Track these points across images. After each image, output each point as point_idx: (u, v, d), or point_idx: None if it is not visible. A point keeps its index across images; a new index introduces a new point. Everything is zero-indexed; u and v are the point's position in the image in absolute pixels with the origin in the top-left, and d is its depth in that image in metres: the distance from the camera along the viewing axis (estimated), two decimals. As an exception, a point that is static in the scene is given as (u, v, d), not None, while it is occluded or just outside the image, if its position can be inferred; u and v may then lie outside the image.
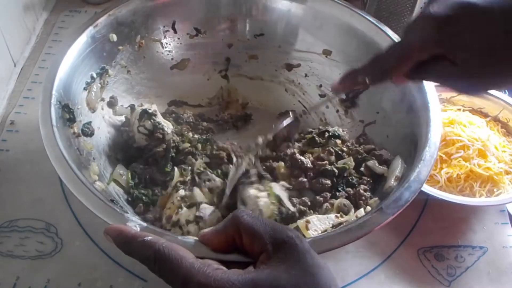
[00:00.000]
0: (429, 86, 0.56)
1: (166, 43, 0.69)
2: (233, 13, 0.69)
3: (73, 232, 0.59)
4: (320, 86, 0.69)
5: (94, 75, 0.60)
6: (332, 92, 0.62)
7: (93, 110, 0.60)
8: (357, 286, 0.57)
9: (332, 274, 0.34)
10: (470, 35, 0.40)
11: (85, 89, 0.59)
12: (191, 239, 0.39)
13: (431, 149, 0.51)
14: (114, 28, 0.62)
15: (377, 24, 0.63)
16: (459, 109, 0.71)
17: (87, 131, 0.57)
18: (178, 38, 0.69)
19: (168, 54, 0.69)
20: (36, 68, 0.78)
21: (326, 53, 0.68)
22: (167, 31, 0.68)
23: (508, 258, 0.60)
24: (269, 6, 0.68)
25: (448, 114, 0.69)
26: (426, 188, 0.59)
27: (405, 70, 0.46)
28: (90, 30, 0.59)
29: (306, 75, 0.70)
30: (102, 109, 0.62)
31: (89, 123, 0.58)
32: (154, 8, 0.66)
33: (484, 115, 0.71)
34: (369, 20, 0.63)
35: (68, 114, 0.54)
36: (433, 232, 0.61)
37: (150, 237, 0.36)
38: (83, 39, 0.58)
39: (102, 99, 0.62)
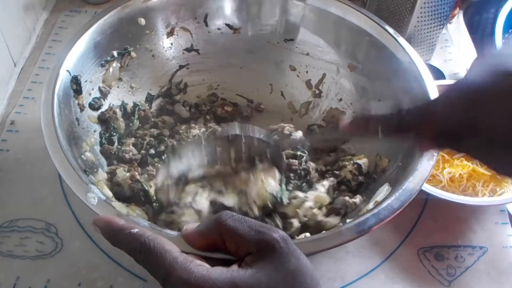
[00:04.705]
0: (429, 83, 0.56)
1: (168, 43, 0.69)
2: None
3: (73, 232, 0.59)
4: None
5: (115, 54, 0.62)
6: (341, 132, 0.54)
7: (108, 87, 0.62)
8: (357, 286, 0.56)
9: (316, 277, 0.34)
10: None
11: (102, 65, 0.61)
12: (175, 233, 0.39)
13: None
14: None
15: (377, 21, 0.62)
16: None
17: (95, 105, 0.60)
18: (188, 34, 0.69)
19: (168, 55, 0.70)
20: (36, 68, 0.78)
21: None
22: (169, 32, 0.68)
23: (508, 258, 0.60)
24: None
25: (449, 113, 0.69)
26: (429, 188, 0.59)
27: (428, 135, 0.43)
28: (93, 31, 0.60)
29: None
30: (118, 87, 0.64)
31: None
32: (155, 8, 0.65)
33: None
34: (370, 18, 0.63)
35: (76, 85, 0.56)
36: (433, 232, 0.61)
37: (136, 230, 0.36)
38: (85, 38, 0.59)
39: (120, 79, 0.64)
